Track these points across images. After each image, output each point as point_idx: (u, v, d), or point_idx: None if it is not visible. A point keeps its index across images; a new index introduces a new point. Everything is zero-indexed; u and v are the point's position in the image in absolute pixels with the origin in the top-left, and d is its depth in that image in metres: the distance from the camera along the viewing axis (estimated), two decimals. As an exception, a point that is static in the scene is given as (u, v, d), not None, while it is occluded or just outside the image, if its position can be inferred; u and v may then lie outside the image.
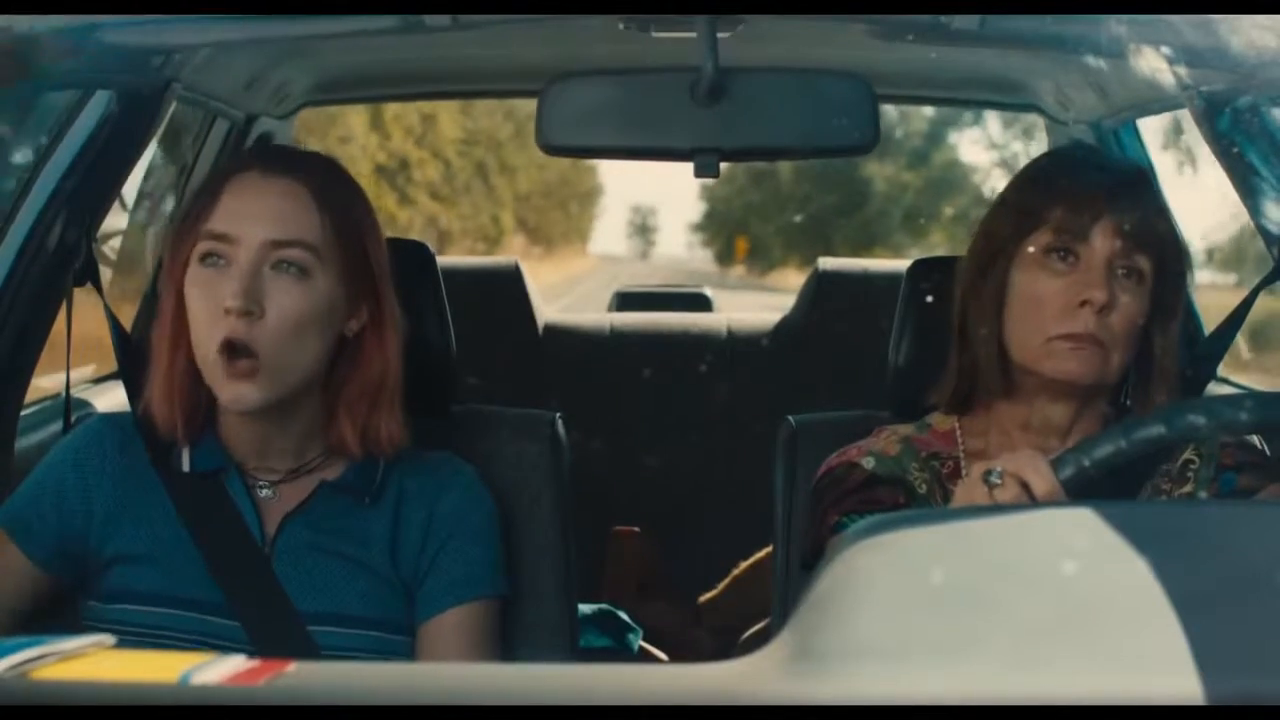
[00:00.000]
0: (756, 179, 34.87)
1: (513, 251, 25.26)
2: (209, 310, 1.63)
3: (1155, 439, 1.45)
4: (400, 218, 21.62)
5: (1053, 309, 1.70)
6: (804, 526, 1.88)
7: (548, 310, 3.80)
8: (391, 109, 20.47)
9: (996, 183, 26.14)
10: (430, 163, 23.30)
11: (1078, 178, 1.75)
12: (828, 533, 1.74)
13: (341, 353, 1.71)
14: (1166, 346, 1.75)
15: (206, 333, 1.64)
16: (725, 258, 40.63)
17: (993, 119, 26.65)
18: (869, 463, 1.79)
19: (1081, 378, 1.70)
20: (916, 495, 1.77)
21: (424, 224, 22.76)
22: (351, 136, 20.18)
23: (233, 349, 1.62)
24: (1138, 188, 1.78)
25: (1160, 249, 1.73)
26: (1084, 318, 1.68)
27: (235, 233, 1.64)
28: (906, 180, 28.76)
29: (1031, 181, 1.80)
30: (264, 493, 1.74)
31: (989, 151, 28.90)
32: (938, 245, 25.70)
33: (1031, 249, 1.73)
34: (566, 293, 21.04)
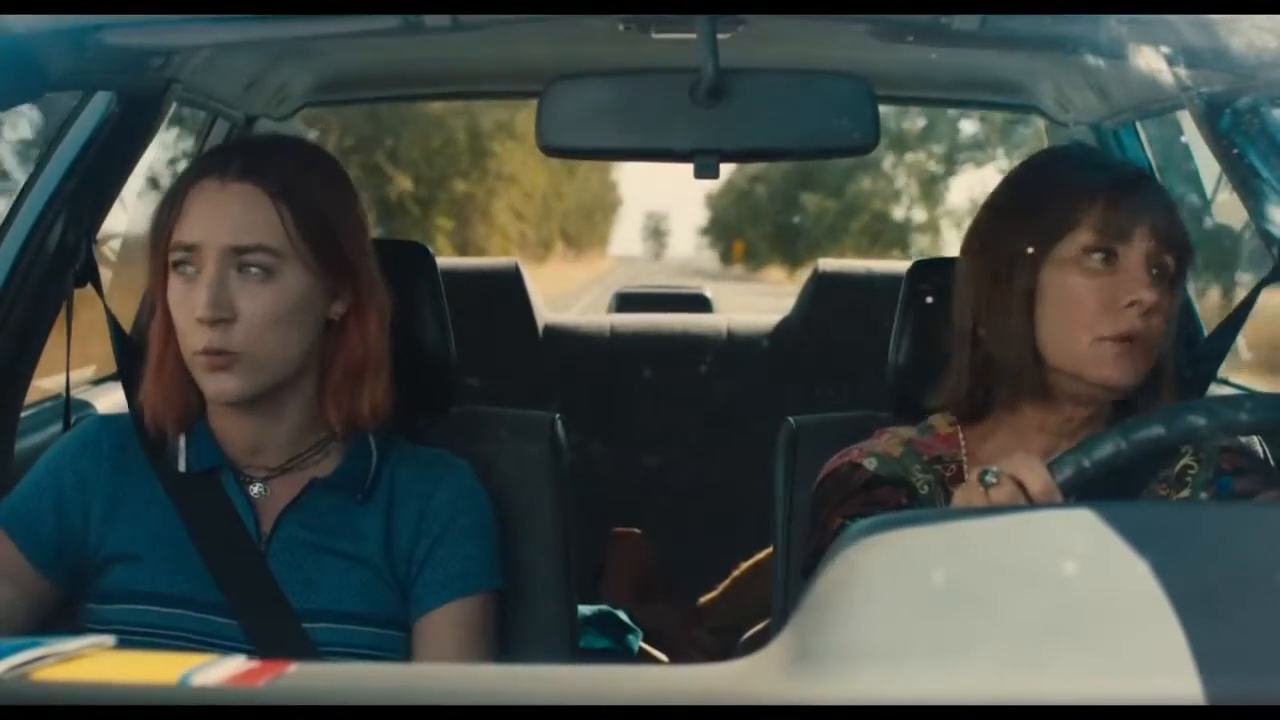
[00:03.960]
0: (745, 192, 44.51)
1: (555, 255, 39.60)
2: (186, 318, 1.68)
3: (1155, 439, 1.44)
4: (512, 233, 32.02)
5: (1095, 310, 1.67)
6: (805, 530, 1.86)
7: (548, 312, 3.80)
8: (522, 164, 30.49)
9: (891, 206, 38.10)
10: (529, 199, 34.84)
11: (1111, 177, 1.73)
12: (830, 537, 1.71)
13: (327, 336, 1.73)
14: (1171, 345, 1.75)
15: (187, 339, 1.68)
16: (727, 257, 48.30)
17: (889, 158, 35.76)
18: (871, 464, 1.78)
19: (1123, 383, 1.68)
20: (919, 497, 1.76)
21: (519, 236, 33.20)
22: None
23: (211, 353, 1.66)
24: (1159, 188, 1.77)
25: (1181, 248, 1.71)
26: (1129, 318, 1.66)
27: (198, 241, 1.68)
28: (828, 206, 38.45)
29: (1054, 182, 1.75)
30: (256, 489, 1.75)
31: (886, 184, 38.78)
32: (850, 249, 34.46)
33: (1067, 250, 1.69)
34: (594, 285, 25.95)
